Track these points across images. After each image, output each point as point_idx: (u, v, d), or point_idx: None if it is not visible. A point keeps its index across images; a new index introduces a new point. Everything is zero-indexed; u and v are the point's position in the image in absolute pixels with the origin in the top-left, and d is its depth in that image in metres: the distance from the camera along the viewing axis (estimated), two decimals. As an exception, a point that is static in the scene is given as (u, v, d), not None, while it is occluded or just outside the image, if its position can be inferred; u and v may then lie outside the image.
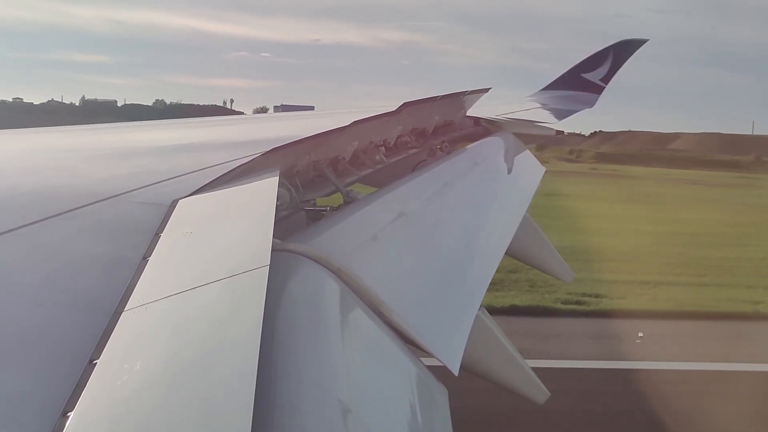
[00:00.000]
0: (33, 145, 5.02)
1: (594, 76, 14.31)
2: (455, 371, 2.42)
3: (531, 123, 9.51)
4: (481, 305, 3.19)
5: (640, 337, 12.39)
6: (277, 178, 2.87)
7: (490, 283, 3.46)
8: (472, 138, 7.39)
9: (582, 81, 14.33)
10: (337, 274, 2.32)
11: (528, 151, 8.11)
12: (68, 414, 1.31)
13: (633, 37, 14.88)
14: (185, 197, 2.63)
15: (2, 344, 1.56)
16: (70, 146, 4.89)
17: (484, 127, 8.25)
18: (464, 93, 6.88)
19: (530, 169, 7.60)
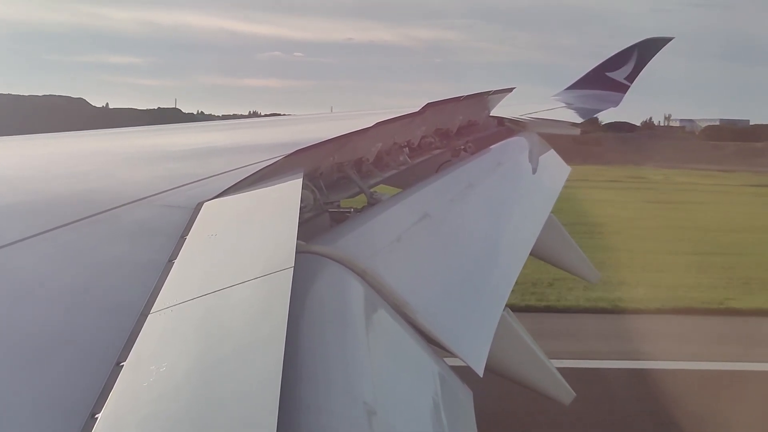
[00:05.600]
0: (60, 149, 5.09)
1: (619, 75, 14.20)
2: (480, 372, 2.41)
3: (555, 122, 9.45)
4: (506, 306, 3.18)
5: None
6: (301, 180, 2.88)
7: None
8: (497, 138, 7.35)
9: (607, 80, 14.22)
10: (362, 275, 2.32)
11: (553, 150, 8.05)
12: (96, 416, 1.32)
13: (668, 34, 14.78)
14: (210, 200, 2.65)
15: (31, 346, 1.58)
16: (96, 150, 4.94)
17: (509, 127, 8.21)
18: (488, 93, 6.84)
19: (555, 169, 7.55)
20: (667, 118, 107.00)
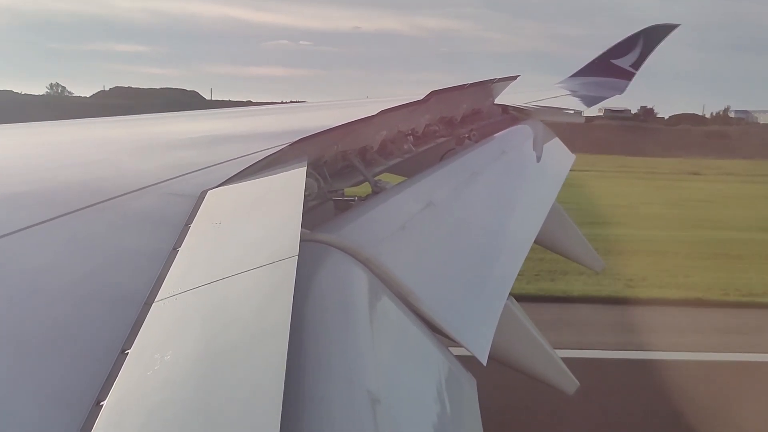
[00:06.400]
0: (64, 137, 5.09)
1: (624, 62, 14.15)
2: (483, 361, 2.41)
3: (560, 110, 9.43)
4: (509, 294, 3.18)
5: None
6: (305, 168, 2.88)
7: None
8: (501, 126, 7.34)
9: (612, 67, 14.18)
10: (366, 264, 2.32)
11: (557, 138, 8.04)
12: (101, 403, 1.33)
13: (677, 21, 14.71)
14: (214, 188, 2.65)
15: (36, 334, 1.58)
16: (100, 138, 4.94)
17: (513, 115, 8.19)
18: (492, 81, 6.82)
19: (560, 156, 7.54)
20: (726, 110, 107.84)
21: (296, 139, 3.36)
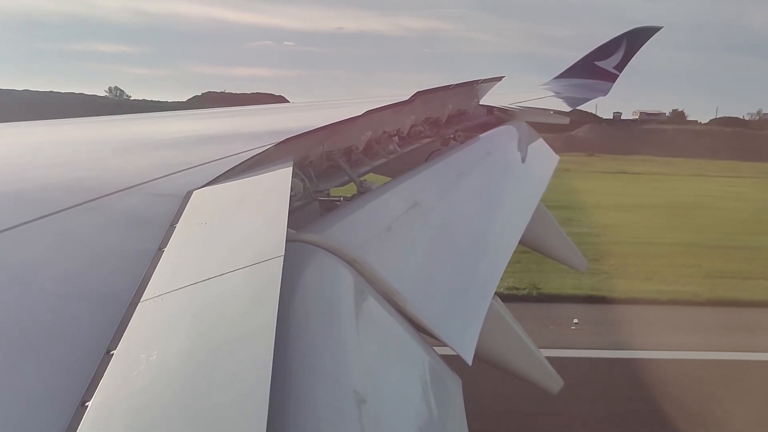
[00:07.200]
0: (51, 137, 5.05)
1: (607, 64, 14.24)
2: (469, 360, 2.42)
3: (544, 111, 9.47)
4: (494, 294, 3.19)
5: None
6: (291, 168, 2.88)
7: None
8: (486, 127, 7.36)
9: (596, 69, 14.26)
10: (352, 264, 2.33)
11: (542, 139, 8.08)
12: (86, 403, 1.32)
13: (664, 24, 14.82)
14: (200, 188, 2.64)
15: (21, 335, 1.57)
16: (86, 138, 4.91)
17: (498, 116, 8.22)
18: (477, 81, 6.84)
19: (544, 157, 7.57)
20: (759, 113, 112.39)
21: (282, 140, 3.36)
